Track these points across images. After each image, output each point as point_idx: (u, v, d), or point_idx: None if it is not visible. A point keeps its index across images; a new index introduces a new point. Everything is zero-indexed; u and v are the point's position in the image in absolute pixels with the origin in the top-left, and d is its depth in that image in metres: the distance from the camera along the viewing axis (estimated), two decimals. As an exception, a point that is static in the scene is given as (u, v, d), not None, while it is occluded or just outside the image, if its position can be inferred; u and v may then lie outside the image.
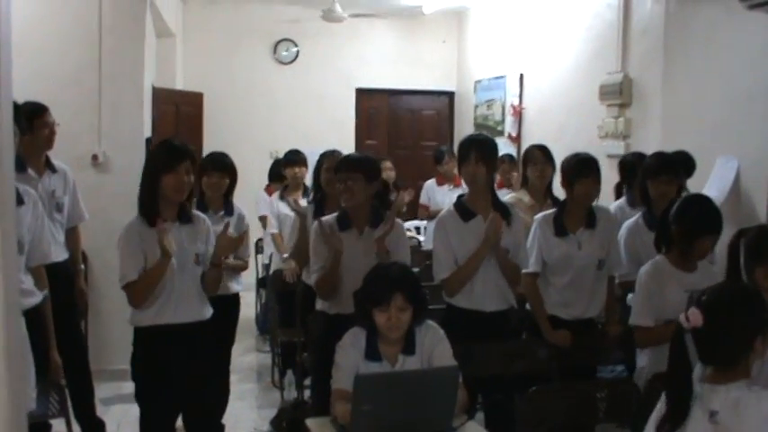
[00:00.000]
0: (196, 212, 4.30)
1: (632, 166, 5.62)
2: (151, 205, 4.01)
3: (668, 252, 4.09)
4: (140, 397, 4.10)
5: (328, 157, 5.52)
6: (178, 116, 9.95)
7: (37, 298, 4.10)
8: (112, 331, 6.49)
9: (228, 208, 5.53)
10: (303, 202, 6.85)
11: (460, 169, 4.56)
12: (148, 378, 4.06)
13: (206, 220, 4.29)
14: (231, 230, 4.28)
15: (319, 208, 5.30)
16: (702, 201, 4.15)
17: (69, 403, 4.04)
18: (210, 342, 4.28)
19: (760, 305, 2.68)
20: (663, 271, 4.03)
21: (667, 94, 6.66)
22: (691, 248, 3.98)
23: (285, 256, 6.92)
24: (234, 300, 5.70)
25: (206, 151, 10.21)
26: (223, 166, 5.47)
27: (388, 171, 8.71)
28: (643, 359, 4.15)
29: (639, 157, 5.65)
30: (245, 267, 5.68)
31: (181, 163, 3.97)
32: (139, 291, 3.96)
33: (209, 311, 4.23)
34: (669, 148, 5.50)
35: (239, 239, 4.14)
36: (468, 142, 4.53)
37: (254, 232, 8.52)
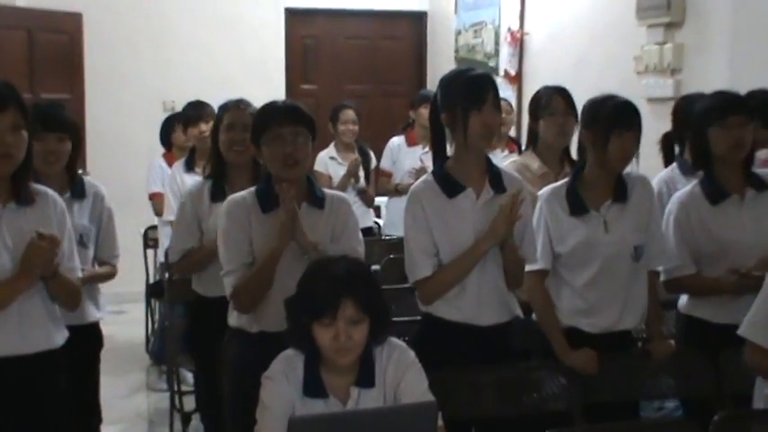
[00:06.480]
0: (40, 188, 4.16)
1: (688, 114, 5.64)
2: None
3: None
4: None
5: (232, 110, 5.43)
6: (32, 47, 9.86)
7: None
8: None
9: (77, 187, 5.20)
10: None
11: (466, 119, 4.40)
12: None
13: (55, 199, 4.17)
14: (43, 229, 3.94)
15: (219, 184, 5.27)
16: None
17: None
18: (63, 378, 4.22)
19: None
20: None
21: (739, 6, 6.66)
22: None
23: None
24: (90, 333, 5.31)
25: (89, 104, 10.30)
26: (62, 125, 5.06)
27: (350, 125, 8.67)
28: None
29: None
30: (112, 275, 5.45)
31: None
32: None
33: (61, 336, 4.17)
34: (740, 86, 5.46)
35: (54, 241, 3.94)
36: (481, 79, 4.51)
37: (145, 216, 8.52)
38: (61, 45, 10.21)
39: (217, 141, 5.42)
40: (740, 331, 4.05)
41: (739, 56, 6.58)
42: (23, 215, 3.97)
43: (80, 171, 5.36)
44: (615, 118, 4.59)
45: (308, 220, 4.35)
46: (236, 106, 5.43)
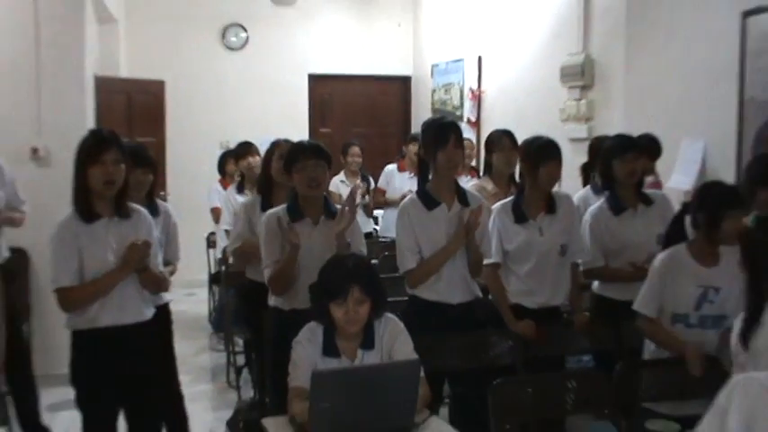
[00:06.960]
0: (135, 206, 4.19)
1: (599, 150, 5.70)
2: (84, 200, 3.92)
3: (691, 243, 4.13)
4: (81, 402, 4.05)
5: (281, 145, 5.46)
6: (130, 106, 9.89)
7: None
8: (59, 333, 6.29)
9: (153, 207, 5.04)
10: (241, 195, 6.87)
11: (435, 154, 4.44)
12: (89, 383, 4.01)
13: (146, 215, 4.20)
14: (137, 236, 4.04)
15: (266, 199, 5.27)
16: (718, 182, 4.24)
17: (14, 411, 3.98)
18: (153, 341, 4.25)
19: None
20: (680, 261, 4.08)
21: (630, 74, 6.71)
22: (718, 232, 3.98)
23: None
24: (162, 312, 5.00)
25: (169, 144, 10.33)
26: (146, 161, 5.00)
27: (355, 157, 8.68)
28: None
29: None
30: (174, 272, 5.25)
31: (106, 152, 3.85)
32: (77, 299, 3.91)
33: (150, 311, 4.19)
34: (633, 130, 5.54)
35: (146, 245, 3.98)
36: (447, 125, 4.53)
37: (207, 225, 8.52)
38: (150, 103, 10.25)
39: (267, 167, 5.43)
40: (634, 306, 4.15)
41: (631, 109, 6.64)
42: (123, 226, 4.00)
43: (162, 193, 5.36)
44: (542, 152, 4.64)
45: (325, 228, 4.39)
46: (285, 142, 5.44)
